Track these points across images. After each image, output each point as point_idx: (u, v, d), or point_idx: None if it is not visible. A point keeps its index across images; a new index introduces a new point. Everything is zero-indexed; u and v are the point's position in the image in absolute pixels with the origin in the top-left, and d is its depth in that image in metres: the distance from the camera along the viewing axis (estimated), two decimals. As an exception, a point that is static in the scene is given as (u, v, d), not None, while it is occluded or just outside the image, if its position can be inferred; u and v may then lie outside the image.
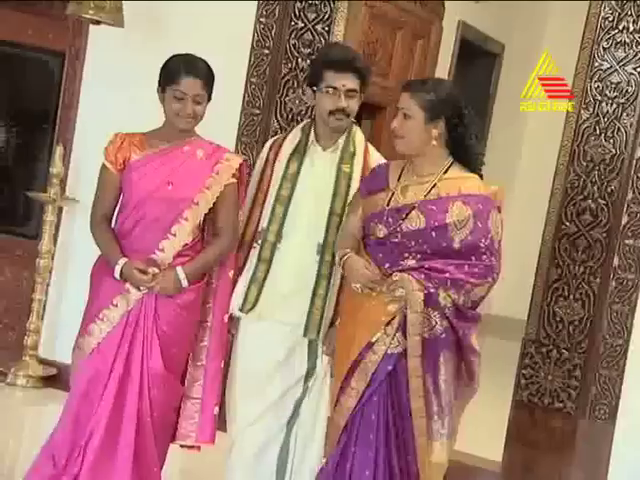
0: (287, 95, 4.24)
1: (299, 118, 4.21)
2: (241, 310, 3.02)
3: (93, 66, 4.50)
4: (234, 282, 3.04)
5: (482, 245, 2.70)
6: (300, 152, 3.02)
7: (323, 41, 4.16)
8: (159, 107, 2.98)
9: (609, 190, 3.81)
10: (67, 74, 4.52)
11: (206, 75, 2.95)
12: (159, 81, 2.98)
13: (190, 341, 3.03)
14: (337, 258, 2.85)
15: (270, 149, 3.09)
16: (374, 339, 2.73)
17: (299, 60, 4.19)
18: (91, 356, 2.93)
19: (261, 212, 3.04)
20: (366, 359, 2.73)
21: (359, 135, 3.07)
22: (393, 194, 2.78)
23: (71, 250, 4.57)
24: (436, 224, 2.69)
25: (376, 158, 3.07)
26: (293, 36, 4.20)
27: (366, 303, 2.76)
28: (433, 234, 2.69)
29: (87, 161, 4.35)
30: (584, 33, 3.83)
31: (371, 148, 3.10)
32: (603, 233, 3.82)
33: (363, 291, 2.74)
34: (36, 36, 4.57)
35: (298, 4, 4.17)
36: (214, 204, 2.97)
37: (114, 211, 3.03)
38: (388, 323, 2.72)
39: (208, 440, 3.05)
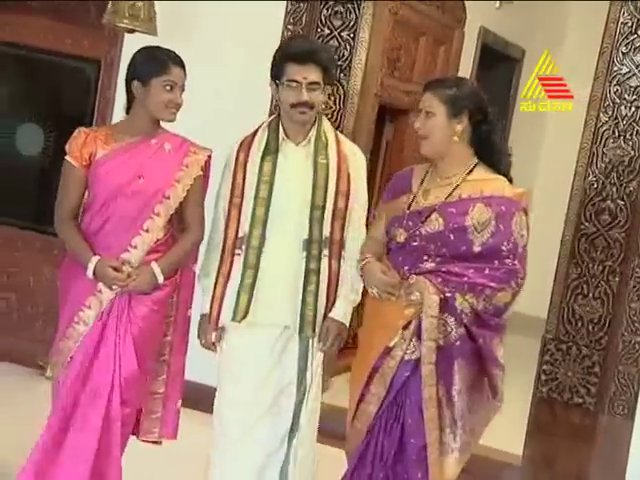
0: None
1: (325, 122, 4.20)
2: (233, 319, 2.83)
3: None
4: (222, 291, 2.85)
5: (504, 248, 2.53)
6: (272, 150, 2.83)
7: (348, 47, 4.16)
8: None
9: (628, 191, 3.77)
10: (102, 81, 4.54)
11: (184, 65, 2.82)
12: (137, 74, 2.79)
13: (159, 337, 2.89)
14: (358, 264, 2.73)
15: (239, 150, 2.87)
16: (392, 344, 2.59)
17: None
18: (73, 360, 2.80)
19: (239, 216, 2.84)
20: (384, 365, 2.60)
21: (327, 125, 2.91)
22: (415, 197, 2.66)
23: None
24: (455, 226, 2.54)
25: (349, 146, 2.92)
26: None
27: (384, 307, 2.63)
28: (451, 237, 2.55)
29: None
30: (603, 38, 3.80)
31: (342, 137, 2.95)
32: (622, 233, 3.78)
33: (381, 296, 2.61)
34: (74, 45, 4.60)
35: (324, 12, 4.17)
36: (183, 198, 2.82)
37: (80, 209, 2.85)
38: (405, 327, 2.58)
39: (171, 436, 2.95)
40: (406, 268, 2.60)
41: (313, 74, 2.77)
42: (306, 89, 2.77)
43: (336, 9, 4.16)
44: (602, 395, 3.80)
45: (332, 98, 4.19)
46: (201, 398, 3.50)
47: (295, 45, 2.93)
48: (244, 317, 2.82)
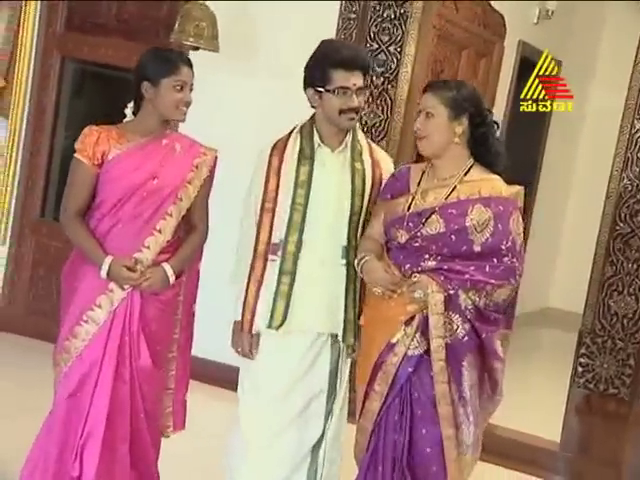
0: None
1: (373, 130, 4.23)
2: (269, 327, 2.60)
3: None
4: (255, 297, 2.63)
5: (503, 247, 2.41)
6: (308, 156, 2.61)
7: (395, 60, 4.18)
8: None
9: (661, 194, 3.74)
10: (170, 94, 4.62)
11: (192, 64, 2.66)
12: (147, 75, 2.61)
13: (170, 335, 2.75)
14: (355, 261, 2.56)
15: (272, 155, 2.65)
16: (394, 340, 2.44)
17: (373, 78, 4.21)
18: (80, 358, 2.61)
19: (272, 221, 2.61)
20: (387, 361, 2.44)
21: (360, 132, 2.72)
22: (413, 198, 2.50)
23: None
24: (456, 227, 2.41)
25: (381, 152, 2.75)
26: (369, 56, 4.20)
27: (386, 304, 2.48)
28: (453, 237, 2.41)
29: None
30: (638, 49, 3.78)
31: (373, 144, 2.75)
32: (655, 233, 3.74)
33: (384, 294, 2.46)
34: (143, 61, 4.67)
35: (373, 28, 4.19)
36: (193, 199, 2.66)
37: (87, 208, 2.65)
38: (408, 323, 2.43)
39: (180, 427, 2.83)
40: (407, 266, 2.46)
41: (360, 79, 2.58)
42: (355, 95, 2.58)
43: (384, 26, 4.19)
44: (636, 385, 3.76)
45: (380, 107, 4.21)
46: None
47: (343, 51, 2.62)
48: (282, 324, 2.60)
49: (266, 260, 2.62)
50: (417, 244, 2.45)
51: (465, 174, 2.49)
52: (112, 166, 2.59)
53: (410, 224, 2.46)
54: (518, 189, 2.50)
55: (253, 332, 2.64)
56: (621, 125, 3.81)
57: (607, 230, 3.84)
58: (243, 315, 2.64)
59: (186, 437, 2.89)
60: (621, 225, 3.80)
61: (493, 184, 2.47)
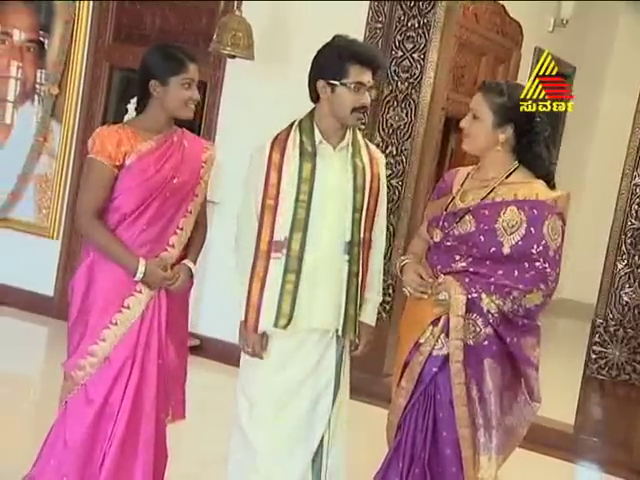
0: (388, 113, 4.24)
1: (398, 132, 4.22)
2: (276, 326, 2.37)
3: (229, 92, 4.61)
4: (260, 296, 2.39)
5: (534, 251, 2.23)
6: (310, 153, 2.38)
7: (419, 67, 4.16)
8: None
9: (671, 191, 3.69)
10: (209, 99, 4.64)
11: (197, 61, 2.49)
12: (155, 74, 2.41)
13: (185, 329, 2.58)
14: (397, 264, 2.46)
15: (272, 151, 2.39)
16: (422, 340, 2.33)
17: (398, 83, 4.20)
18: (109, 361, 2.41)
19: (274, 219, 2.37)
20: (413, 359, 2.34)
21: (355, 129, 2.49)
22: (453, 199, 2.37)
23: (209, 244, 4.67)
24: (485, 228, 2.26)
25: (375, 151, 2.52)
26: (393, 63, 4.20)
27: (417, 304, 2.38)
28: (482, 238, 2.26)
29: (222, 170, 4.46)
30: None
31: (367, 141, 2.53)
32: (665, 228, 3.70)
33: (413, 295, 2.37)
34: (184, 70, 4.69)
35: (398, 37, 4.18)
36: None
37: (104, 208, 2.44)
38: (434, 324, 2.31)
39: (181, 416, 2.59)
40: (439, 267, 2.34)
41: (371, 77, 2.38)
42: (368, 92, 2.38)
43: (408, 34, 4.17)
44: (647, 372, 3.73)
45: (404, 111, 4.20)
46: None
47: (361, 47, 2.41)
48: (288, 323, 2.37)
49: (269, 258, 2.39)
50: (449, 243, 2.33)
51: (507, 177, 2.33)
52: (134, 167, 2.39)
53: (445, 223, 2.34)
54: (559, 194, 2.30)
55: (259, 332, 2.41)
56: (633, 126, 3.78)
57: (619, 225, 3.81)
58: (247, 314, 2.41)
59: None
60: (632, 221, 3.77)
61: (531, 187, 2.29)
